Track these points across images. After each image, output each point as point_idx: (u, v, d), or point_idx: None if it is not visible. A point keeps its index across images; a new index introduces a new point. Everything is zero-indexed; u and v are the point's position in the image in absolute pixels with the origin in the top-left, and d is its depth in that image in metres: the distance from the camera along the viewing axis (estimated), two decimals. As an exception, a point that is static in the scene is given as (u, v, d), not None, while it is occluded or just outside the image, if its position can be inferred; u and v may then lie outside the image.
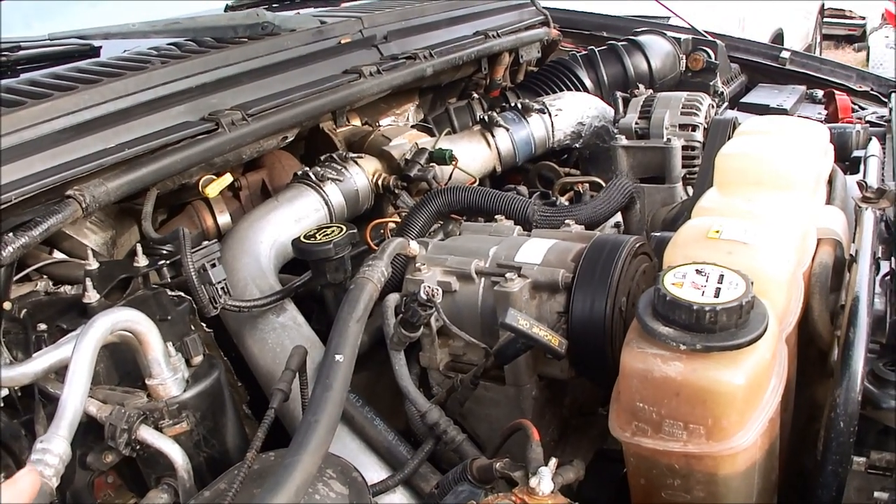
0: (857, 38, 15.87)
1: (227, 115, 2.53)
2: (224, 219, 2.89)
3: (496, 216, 2.51)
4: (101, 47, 2.94)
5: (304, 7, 3.94)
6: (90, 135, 2.28)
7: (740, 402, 1.60)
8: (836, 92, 4.29)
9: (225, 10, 3.72)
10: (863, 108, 4.20)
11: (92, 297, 2.09)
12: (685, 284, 1.64)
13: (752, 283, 1.62)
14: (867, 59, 13.16)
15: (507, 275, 2.05)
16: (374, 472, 2.11)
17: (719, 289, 1.62)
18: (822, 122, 3.93)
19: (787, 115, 3.92)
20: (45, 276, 2.38)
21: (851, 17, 15.89)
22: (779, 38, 10.66)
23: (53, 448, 1.54)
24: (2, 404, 1.96)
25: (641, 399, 1.66)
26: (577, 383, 2.17)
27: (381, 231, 2.84)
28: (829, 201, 2.41)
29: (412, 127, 3.68)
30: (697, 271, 1.68)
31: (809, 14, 13.35)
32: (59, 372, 1.87)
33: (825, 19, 15.17)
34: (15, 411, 1.99)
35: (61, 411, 1.63)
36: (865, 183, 2.43)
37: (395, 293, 2.22)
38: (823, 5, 14.75)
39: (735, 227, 1.88)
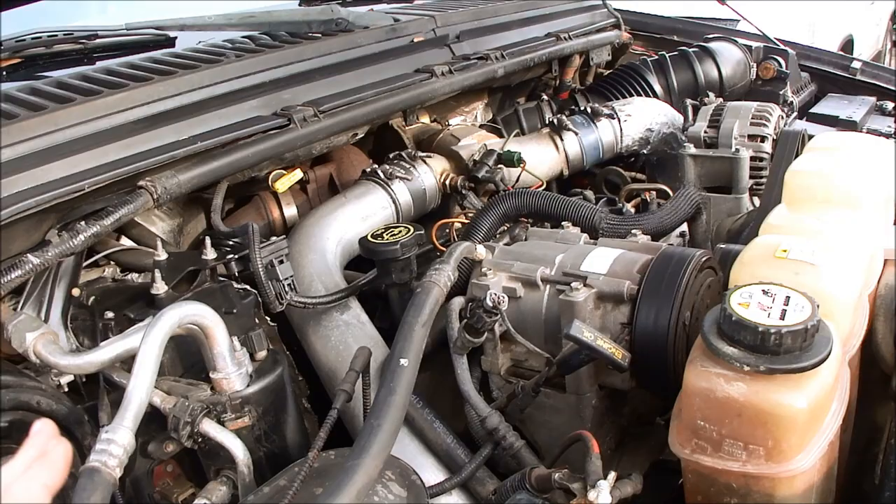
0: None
1: (299, 111, 2.54)
2: (291, 211, 2.91)
3: (563, 223, 2.51)
4: (176, 38, 2.97)
5: (377, 3, 3.95)
6: (164, 126, 2.29)
7: (801, 425, 1.60)
8: (906, 105, 4.23)
9: (299, 5, 3.74)
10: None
11: (160, 288, 2.12)
12: (751, 305, 1.64)
13: (818, 306, 1.62)
14: (936, 68, 12.99)
15: (573, 284, 2.05)
16: (432, 473, 2.12)
17: (785, 310, 1.61)
18: (892, 135, 3.88)
19: (856, 126, 3.86)
20: (112, 263, 2.41)
21: (923, 24, 15.64)
22: (849, 44, 10.52)
23: (118, 439, 1.55)
24: (66, 390, 2.00)
25: (703, 417, 1.66)
26: (637, 393, 2.16)
27: (447, 231, 2.85)
28: (897, 221, 2.39)
29: (481, 127, 3.68)
30: (764, 292, 1.67)
31: (880, 20, 13.18)
32: (126, 360, 1.90)
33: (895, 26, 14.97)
34: (79, 396, 2.02)
35: (127, 402, 1.65)
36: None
37: (459, 297, 2.23)
38: (895, 12, 14.55)
39: (803, 246, 1.86)
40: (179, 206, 2.67)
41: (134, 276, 2.37)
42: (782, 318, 1.59)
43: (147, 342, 1.72)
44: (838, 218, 2.05)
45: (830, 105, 4.23)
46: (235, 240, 2.40)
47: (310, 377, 2.39)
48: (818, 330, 1.60)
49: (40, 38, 2.81)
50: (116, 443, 1.54)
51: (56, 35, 2.82)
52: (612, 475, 1.71)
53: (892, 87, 4.42)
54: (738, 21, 5.10)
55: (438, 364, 2.27)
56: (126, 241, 2.50)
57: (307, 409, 2.30)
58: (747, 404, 1.59)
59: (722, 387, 1.61)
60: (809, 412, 1.59)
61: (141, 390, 1.67)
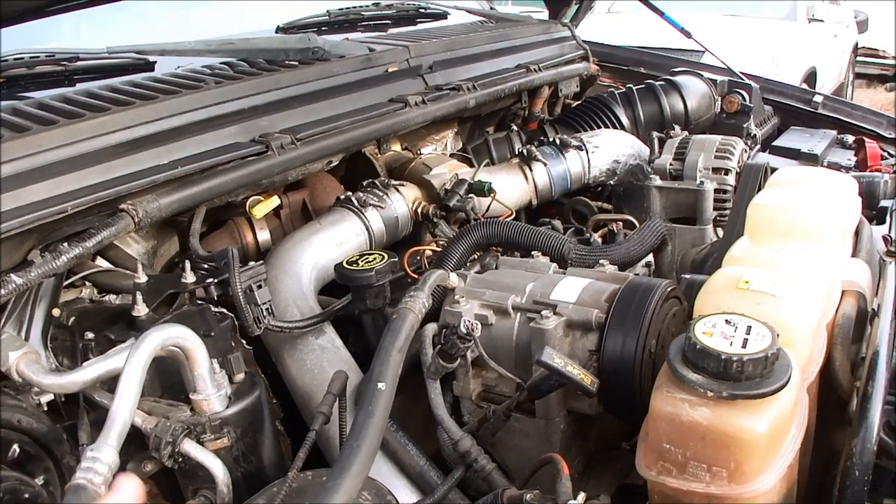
0: (889, 77, 15.85)
1: (276, 139, 2.57)
2: (264, 236, 2.94)
3: (532, 252, 2.57)
4: (155, 62, 3.00)
5: (353, 32, 4.00)
6: (145, 150, 2.32)
7: (762, 449, 1.66)
8: (867, 139, 4.30)
9: (276, 32, 3.78)
10: (892, 156, 4.21)
11: (141, 310, 2.14)
12: (715, 334, 1.70)
13: (777, 336, 1.68)
14: (898, 98, 13.30)
15: (543, 312, 2.11)
16: (405, 495, 2.15)
17: (747, 339, 1.68)
18: (851, 168, 3.97)
19: (818, 159, 3.95)
20: (89, 284, 2.43)
21: (884, 57, 15.86)
22: (812, 76, 10.67)
23: (103, 457, 1.58)
24: (46, 408, 2.02)
25: (668, 441, 1.71)
26: (604, 418, 2.20)
27: (419, 258, 2.87)
28: (854, 253, 2.46)
29: (452, 156, 3.72)
30: (727, 321, 1.74)
31: (843, 53, 13.37)
32: (106, 381, 1.93)
33: (858, 58, 15.19)
34: (58, 416, 2.04)
35: (111, 422, 1.67)
36: (891, 237, 2.48)
37: (432, 323, 2.27)
38: (857, 44, 14.79)
39: (764, 278, 1.92)
40: (154, 228, 2.67)
41: (111, 298, 2.38)
42: (744, 346, 1.66)
43: (131, 362, 1.75)
44: (798, 251, 2.12)
45: (793, 138, 4.32)
46: (212, 264, 2.43)
47: (283, 400, 2.41)
48: (778, 358, 1.66)
49: (22, 58, 2.84)
50: (101, 461, 1.57)
51: (38, 56, 2.85)
52: (582, 496, 1.76)
53: (852, 121, 4.52)
54: (703, 52, 5.19)
55: (411, 388, 2.30)
56: (102, 263, 2.51)
57: (281, 432, 2.33)
58: (711, 428, 1.65)
59: (687, 411, 1.66)
60: (769, 436, 1.65)
61: (125, 410, 1.69)
